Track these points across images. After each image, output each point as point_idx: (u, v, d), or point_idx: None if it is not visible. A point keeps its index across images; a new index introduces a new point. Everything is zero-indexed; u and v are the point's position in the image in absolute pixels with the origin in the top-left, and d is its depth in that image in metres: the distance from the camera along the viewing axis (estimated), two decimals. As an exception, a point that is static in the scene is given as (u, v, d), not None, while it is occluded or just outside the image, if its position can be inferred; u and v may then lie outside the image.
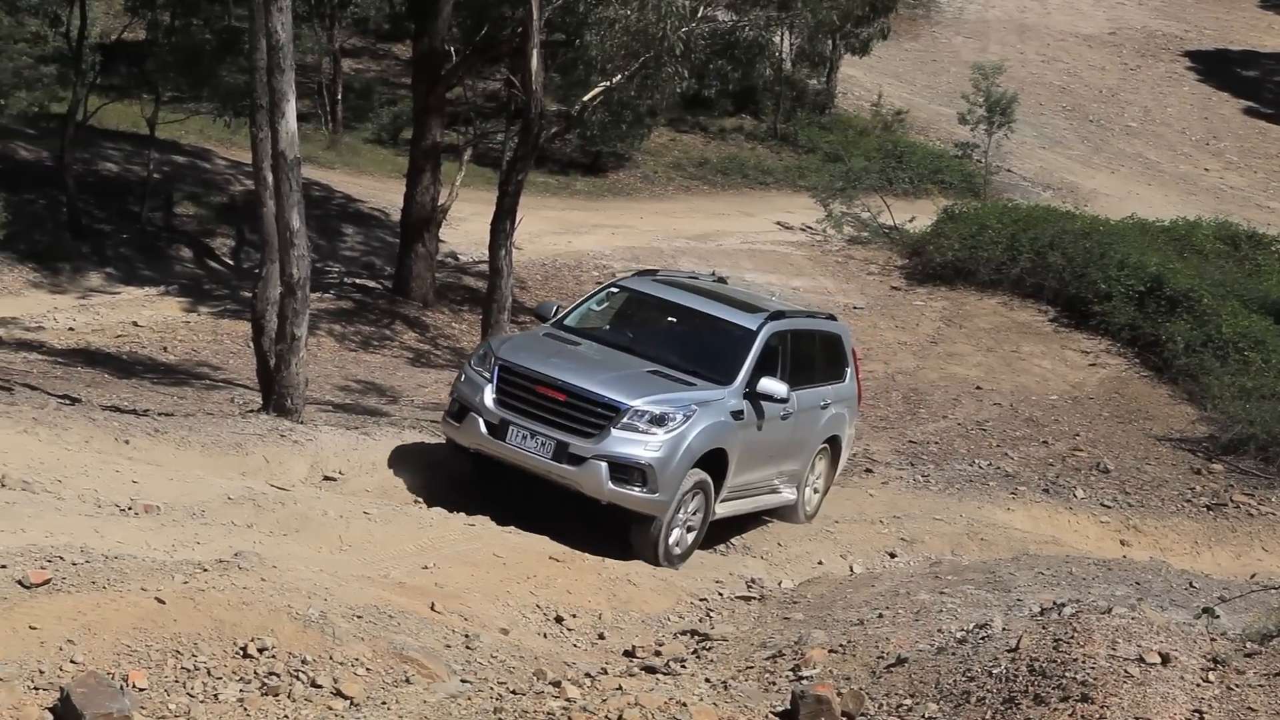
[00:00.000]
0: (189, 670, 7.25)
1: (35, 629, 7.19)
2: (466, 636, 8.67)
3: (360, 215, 29.34)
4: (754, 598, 11.46)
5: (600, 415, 12.51)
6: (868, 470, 18.04)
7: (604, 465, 12.38)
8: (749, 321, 13.94)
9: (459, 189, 24.48)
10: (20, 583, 7.64)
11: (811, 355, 14.82)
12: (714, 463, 13.00)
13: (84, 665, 7.03)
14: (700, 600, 11.32)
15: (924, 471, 18.17)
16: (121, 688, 6.87)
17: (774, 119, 39.52)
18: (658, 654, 9.11)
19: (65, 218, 25.15)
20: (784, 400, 13.48)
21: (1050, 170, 39.54)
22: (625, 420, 12.44)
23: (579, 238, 28.26)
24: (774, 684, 8.13)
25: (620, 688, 7.79)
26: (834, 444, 15.40)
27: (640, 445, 12.40)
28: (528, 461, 12.67)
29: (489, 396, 12.84)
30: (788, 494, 14.64)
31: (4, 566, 7.88)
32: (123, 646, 7.27)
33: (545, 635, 9.72)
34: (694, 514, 13.05)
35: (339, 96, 35.13)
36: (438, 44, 23.53)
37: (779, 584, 12.65)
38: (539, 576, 10.63)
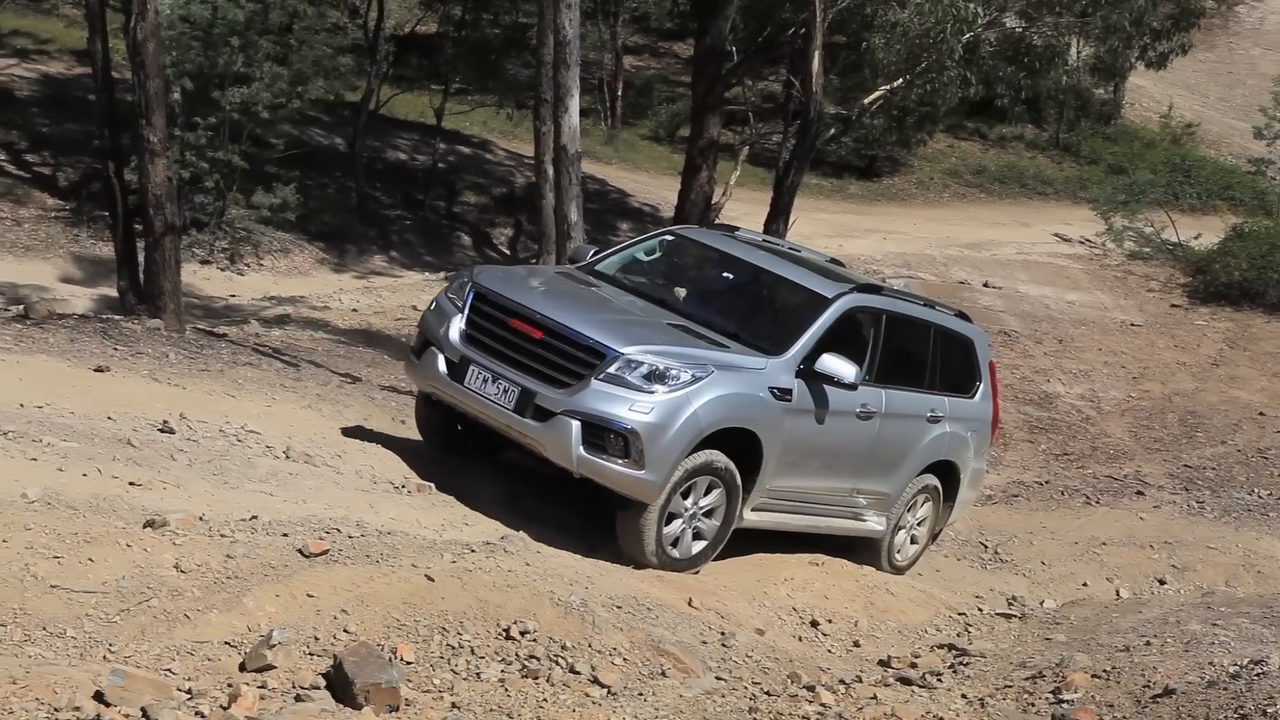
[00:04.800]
0: (454, 648, 7.42)
1: (312, 597, 7.45)
2: (722, 634, 8.68)
3: (634, 210, 29.75)
4: (1015, 616, 11.23)
5: (581, 361, 9.69)
6: (1139, 493, 17.49)
7: (575, 424, 9.59)
8: (825, 288, 10.96)
9: (733, 188, 24.58)
10: (300, 552, 7.93)
11: (920, 351, 11.81)
12: (744, 452, 10.14)
13: (356, 635, 7.26)
14: (959, 614, 11.14)
15: (1199, 497, 17.50)
16: (390, 660, 7.05)
17: (1056, 128, 38.66)
18: (913, 666, 8.97)
19: (354, 202, 26.19)
20: (852, 386, 10.43)
21: (1351, 190, 37.68)
22: (611, 370, 9.58)
23: (850, 241, 28.05)
24: (1033, 705, 7.93)
25: (875, 697, 7.70)
26: (948, 475, 12.27)
27: (625, 404, 9.52)
28: (485, 410, 10.01)
29: (455, 329, 10.26)
30: (873, 524, 11.76)
31: (286, 535, 8.20)
32: (392, 620, 7.47)
33: (800, 638, 9.68)
34: (705, 511, 10.15)
35: (619, 93, 35.69)
36: (719, 43, 23.69)
37: (1041, 603, 12.36)
38: (796, 579, 10.59)
